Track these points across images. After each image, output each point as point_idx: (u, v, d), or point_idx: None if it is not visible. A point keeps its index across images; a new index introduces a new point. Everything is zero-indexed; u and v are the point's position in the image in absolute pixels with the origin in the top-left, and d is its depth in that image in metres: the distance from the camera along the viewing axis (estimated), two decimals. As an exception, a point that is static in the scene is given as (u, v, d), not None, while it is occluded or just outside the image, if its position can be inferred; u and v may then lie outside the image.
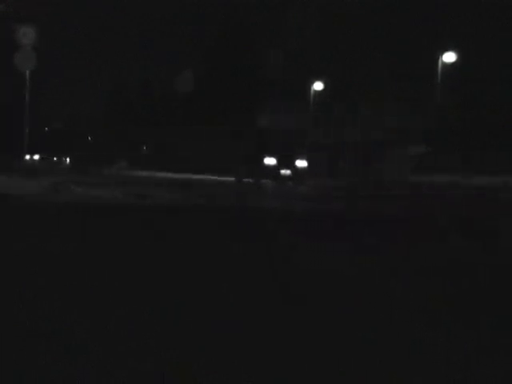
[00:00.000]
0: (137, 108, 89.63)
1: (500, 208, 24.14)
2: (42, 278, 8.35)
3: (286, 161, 53.23)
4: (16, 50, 52.18)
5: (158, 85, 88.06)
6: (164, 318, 6.61)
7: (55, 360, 5.30)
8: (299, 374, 5.19)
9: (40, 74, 60.97)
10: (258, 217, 18.27)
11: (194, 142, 68.92)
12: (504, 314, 7.31)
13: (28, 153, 61.01)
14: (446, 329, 6.51)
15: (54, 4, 75.16)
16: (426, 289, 8.43)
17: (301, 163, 53.49)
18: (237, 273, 9.19)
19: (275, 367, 5.32)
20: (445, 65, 56.16)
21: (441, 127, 57.63)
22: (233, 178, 46.02)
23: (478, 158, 52.63)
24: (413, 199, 28.25)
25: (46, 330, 6.06)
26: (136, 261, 9.89)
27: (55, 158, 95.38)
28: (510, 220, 18.81)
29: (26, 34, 51.43)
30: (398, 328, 6.49)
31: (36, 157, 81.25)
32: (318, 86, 62.70)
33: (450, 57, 56.35)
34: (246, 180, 44.82)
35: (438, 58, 56.01)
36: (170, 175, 51.72)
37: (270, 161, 54.55)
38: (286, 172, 52.17)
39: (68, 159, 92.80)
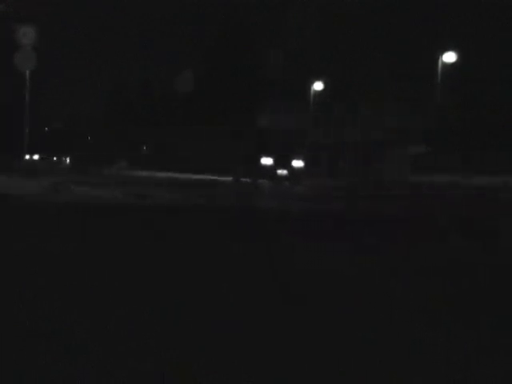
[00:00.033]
0: (137, 108, 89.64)
1: (500, 208, 24.14)
2: (41, 277, 8.35)
3: (282, 161, 53.42)
4: (16, 50, 52.19)
5: (158, 85, 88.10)
6: (164, 318, 6.61)
7: (55, 360, 5.30)
8: (299, 374, 5.19)
9: (40, 74, 61.01)
10: (258, 217, 18.27)
11: (193, 142, 68.94)
12: (504, 313, 7.31)
13: (28, 153, 61.01)
14: (446, 329, 6.51)
15: (54, 4, 75.20)
16: (425, 289, 8.43)
17: (297, 163, 53.64)
18: (237, 273, 9.19)
19: (275, 367, 5.32)
20: (445, 65, 56.17)
21: (441, 127, 57.63)
22: (231, 178, 46.08)
23: (478, 158, 52.65)
24: (413, 199, 28.25)
25: (45, 330, 6.06)
26: (136, 261, 9.89)
27: (55, 158, 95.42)
28: (510, 220, 18.81)
29: (26, 34, 51.45)
30: (398, 328, 6.49)
31: (36, 157, 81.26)
32: (318, 85, 62.71)
33: (449, 57, 56.37)
34: (243, 180, 44.89)
35: (438, 58, 56.02)
36: (170, 175, 51.74)
37: (266, 161, 54.76)
38: (282, 172, 52.38)
39: (68, 159, 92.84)
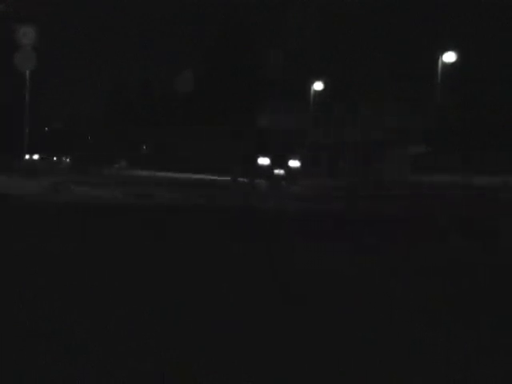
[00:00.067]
0: (137, 108, 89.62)
1: (500, 208, 24.13)
2: (42, 277, 8.35)
3: (279, 161, 53.61)
4: (16, 50, 52.19)
5: (158, 85, 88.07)
6: (164, 318, 6.61)
7: (55, 360, 5.30)
8: (299, 374, 5.19)
9: (40, 74, 60.99)
10: (257, 217, 18.27)
11: (193, 142, 68.92)
12: (504, 313, 7.31)
13: (28, 153, 61.02)
14: (446, 329, 6.51)
15: (54, 4, 75.18)
16: (426, 289, 8.43)
17: (294, 163, 53.79)
18: (237, 273, 9.19)
19: (275, 367, 5.32)
20: (445, 65, 56.17)
21: (441, 127, 57.63)
22: (240, 178, 46.13)
23: (478, 158, 52.64)
24: (413, 199, 28.25)
25: (46, 330, 6.06)
26: (136, 261, 9.89)
27: (55, 158, 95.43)
28: (510, 220, 18.81)
29: (26, 34, 51.45)
30: (398, 328, 6.49)
31: (35, 157, 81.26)
32: (318, 85, 62.70)
33: (449, 57, 56.37)
34: (240, 179, 44.97)
35: (438, 58, 56.02)
36: (170, 175, 51.75)
37: (263, 161, 54.98)
38: (279, 172, 52.55)
39: (67, 159, 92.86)
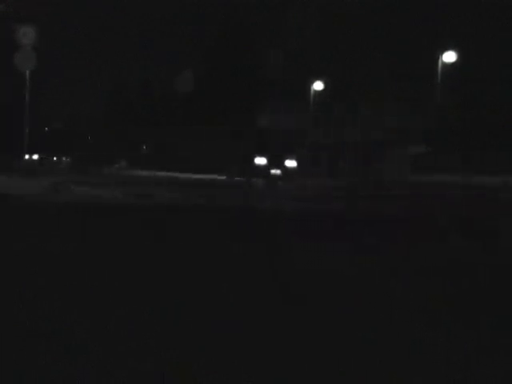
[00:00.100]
0: (137, 108, 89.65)
1: (500, 208, 24.13)
2: (42, 277, 8.35)
3: (276, 161, 53.81)
4: (16, 50, 52.18)
5: (158, 85, 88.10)
6: (164, 318, 6.61)
7: (55, 360, 5.30)
8: (299, 374, 5.19)
9: (40, 74, 60.97)
10: (257, 217, 18.26)
11: (193, 142, 68.93)
12: (504, 313, 7.31)
13: (28, 153, 61.02)
14: (446, 329, 6.51)
15: (54, 4, 75.19)
16: (426, 289, 8.43)
17: (290, 163, 53.93)
18: (237, 273, 9.19)
19: (275, 367, 5.32)
20: (445, 65, 56.18)
21: (441, 127, 57.65)
22: (236, 178, 46.24)
23: (478, 158, 52.66)
24: (413, 199, 28.25)
25: (46, 330, 6.06)
26: (136, 261, 9.89)
27: (55, 158, 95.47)
28: (510, 220, 18.81)
29: (26, 34, 51.44)
30: (398, 328, 6.49)
31: (35, 157, 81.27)
32: (318, 85, 62.72)
33: (450, 57, 56.38)
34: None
35: (438, 58, 56.03)
36: (170, 175, 51.76)
37: (260, 160, 55.19)
38: (276, 171, 52.77)
39: (67, 159, 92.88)
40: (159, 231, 13.97)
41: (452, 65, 56.59)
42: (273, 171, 52.88)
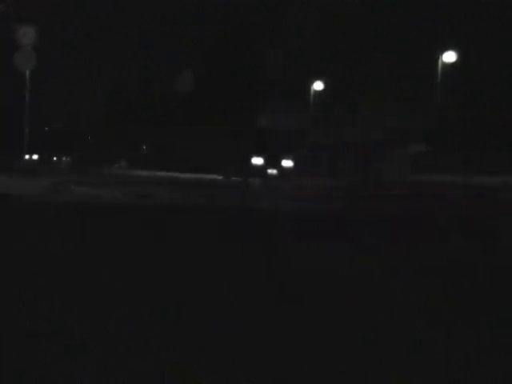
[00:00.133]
0: (137, 108, 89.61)
1: (500, 208, 24.13)
2: (42, 277, 8.35)
3: (272, 160, 54.07)
4: (16, 50, 52.20)
5: (158, 85, 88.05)
6: (164, 318, 6.61)
7: (55, 360, 5.30)
8: (299, 374, 5.19)
9: (40, 74, 60.99)
10: (257, 217, 18.26)
11: (193, 142, 68.92)
12: (504, 313, 7.31)
13: (28, 153, 61.03)
14: (446, 329, 6.51)
15: (54, 4, 75.15)
16: (426, 289, 8.43)
17: (287, 163, 54.13)
18: (237, 273, 9.19)
19: (275, 367, 5.32)
20: (445, 65, 56.18)
21: (441, 127, 57.64)
22: (233, 178, 46.31)
23: (478, 158, 52.65)
24: (413, 199, 28.25)
25: (46, 330, 6.06)
26: (136, 261, 9.89)
27: (55, 158, 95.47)
28: (510, 220, 18.81)
29: (26, 34, 51.46)
30: (398, 328, 6.49)
31: (35, 157, 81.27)
32: (318, 85, 62.72)
33: (450, 57, 56.38)
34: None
35: (438, 58, 56.03)
36: (170, 175, 51.77)
37: (257, 160, 55.46)
38: (272, 171, 53.04)
39: (67, 159, 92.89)
40: (159, 231, 13.97)
41: (452, 65, 56.59)
42: (269, 171, 53.15)
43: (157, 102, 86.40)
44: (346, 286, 8.52)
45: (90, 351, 5.52)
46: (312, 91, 62.63)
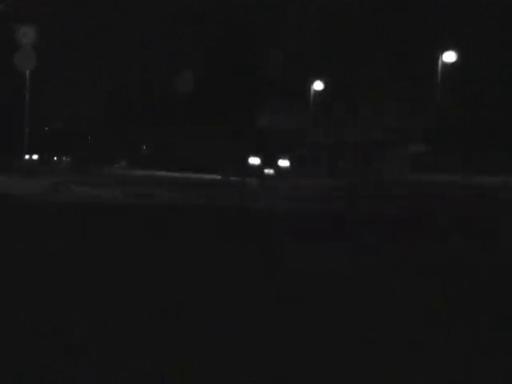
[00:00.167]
0: (137, 108, 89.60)
1: (500, 208, 24.13)
2: (42, 277, 8.35)
3: (269, 160, 54.38)
4: (16, 50, 52.19)
5: (158, 85, 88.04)
6: (164, 318, 6.61)
7: (55, 360, 5.30)
8: (299, 374, 5.19)
9: (40, 74, 60.96)
10: (257, 217, 18.26)
11: (193, 142, 68.91)
12: (504, 313, 7.31)
13: (28, 153, 61.02)
14: (446, 329, 6.51)
15: (54, 4, 75.13)
16: (426, 289, 8.43)
17: (283, 163, 54.36)
18: (237, 273, 9.19)
19: (275, 367, 5.32)
20: (445, 65, 56.18)
21: (441, 127, 57.64)
22: (232, 177, 46.37)
23: (478, 158, 52.65)
24: (413, 199, 28.24)
25: (46, 330, 6.06)
26: (136, 261, 9.89)
27: (55, 158, 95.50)
28: (510, 220, 18.81)
29: (26, 34, 51.45)
30: (398, 328, 6.49)
31: (35, 157, 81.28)
32: (318, 85, 62.73)
33: (449, 57, 56.38)
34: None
35: (438, 58, 56.04)
36: (169, 174, 51.78)
37: (254, 160, 55.76)
38: (269, 171, 53.32)
39: (67, 159, 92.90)
40: (159, 231, 13.97)
41: (452, 65, 56.59)
42: (266, 171, 53.43)
43: (157, 102, 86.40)
44: (346, 286, 8.52)
45: (90, 351, 5.52)
46: (312, 91, 62.64)
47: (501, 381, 5.21)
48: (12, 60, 52.59)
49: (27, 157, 63.47)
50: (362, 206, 23.26)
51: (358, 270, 9.65)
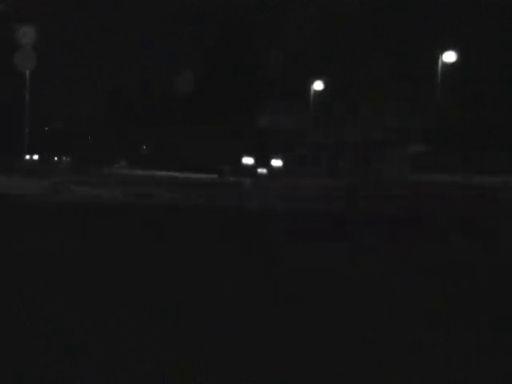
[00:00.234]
0: (137, 108, 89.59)
1: (500, 208, 24.13)
2: (42, 277, 8.35)
3: (262, 160, 54.71)
4: (16, 50, 52.22)
5: (158, 85, 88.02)
6: (164, 318, 6.61)
7: (55, 360, 5.30)
8: (299, 374, 5.19)
9: (40, 74, 60.99)
10: (255, 217, 18.26)
11: (193, 142, 68.92)
12: (504, 313, 7.31)
13: (28, 153, 61.03)
14: (446, 329, 6.51)
15: (54, 4, 75.10)
16: (426, 289, 8.43)
17: (276, 162, 54.59)
18: (237, 273, 9.19)
19: (275, 367, 5.32)
20: (445, 65, 56.20)
21: (441, 127, 57.65)
22: (230, 177, 46.49)
23: (478, 158, 52.65)
24: (413, 199, 28.24)
25: (46, 330, 6.06)
26: (136, 261, 9.89)
27: (56, 158, 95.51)
28: (510, 220, 18.81)
29: (26, 34, 51.47)
30: (398, 328, 6.49)
31: (35, 157, 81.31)
32: (318, 85, 62.74)
33: (449, 57, 56.40)
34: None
35: (438, 58, 56.04)
36: (169, 174, 51.79)
37: (248, 160, 56.09)
38: (262, 171, 53.64)
39: (67, 159, 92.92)
40: (159, 231, 13.97)
41: (452, 65, 56.60)
42: (259, 170, 53.76)
43: (157, 102, 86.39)
44: (346, 285, 8.52)
45: (90, 351, 5.52)
46: (312, 91, 62.65)
47: (501, 381, 5.21)
48: (12, 60, 52.61)
49: (27, 157, 63.51)
50: (362, 206, 23.25)
51: (357, 270, 9.65)
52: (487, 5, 58.53)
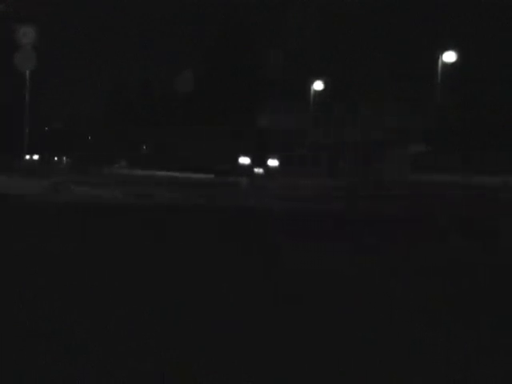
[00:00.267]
0: (137, 108, 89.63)
1: (500, 208, 24.13)
2: (42, 277, 8.35)
3: (259, 160, 54.93)
4: (16, 50, 52.23)
5: (158, 85, 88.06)
6: (164, 318, 6.61)
7: (55, 360, 5.30)
8: (299, 374, 5.19)
9: (40, 74, 61.00)
10: (256, 217, 18.26)
11: (193, 142, 68.93)
12: (504, 313, 7.31)
13: (28, 153, 61.03)
14: (446, 329, 6.51)
15: (54, 4, 75.13)
16: (426, 289, 8.43)
17: (272, 162, 54.72)
18: (237, 273, 9.19)
19: (275, 367, 5.32)
20: (445, 65, 56.20)
21: (441, 127, 57.66)
22: (234, 177, 46.54)
23: (478, 158, 52.65)
24: (413, 199, 28.24)
25: (46, 330, 6.06)
26: (136, 261, 9.89)
27: (56, 158, 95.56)
28: (510, 220, 18.81)
29: (26, 34, 51.48)
30: (398, 328, 6.49)
31: (35, 157, 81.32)
32: (318, 85, 62.75)
33: (449, 57, 56.41)
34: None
35: (438, 58, 56.05)
36: (169, 174, 51.80)
37: (244, 160, 56.30)
38: (259, 170, 53.83)
39: (67, 159, 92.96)
40: (159, 231, 13.97)
41: (452, 65, 56.61)
42: (256, 170, 53.94)
43: (157, 102, 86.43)
44: (346, 285, 8.52)
45: (90, 351, 5.52)
46: (312, 91, 62.66)
47: (501, 381, 5.21)
48: (12, 60, 52.62)
49: (28, 157, 63.50)
50: (362, 206, 23.25)
51: (357, 270, 9.65)
52: (487, 5, 58.54)
